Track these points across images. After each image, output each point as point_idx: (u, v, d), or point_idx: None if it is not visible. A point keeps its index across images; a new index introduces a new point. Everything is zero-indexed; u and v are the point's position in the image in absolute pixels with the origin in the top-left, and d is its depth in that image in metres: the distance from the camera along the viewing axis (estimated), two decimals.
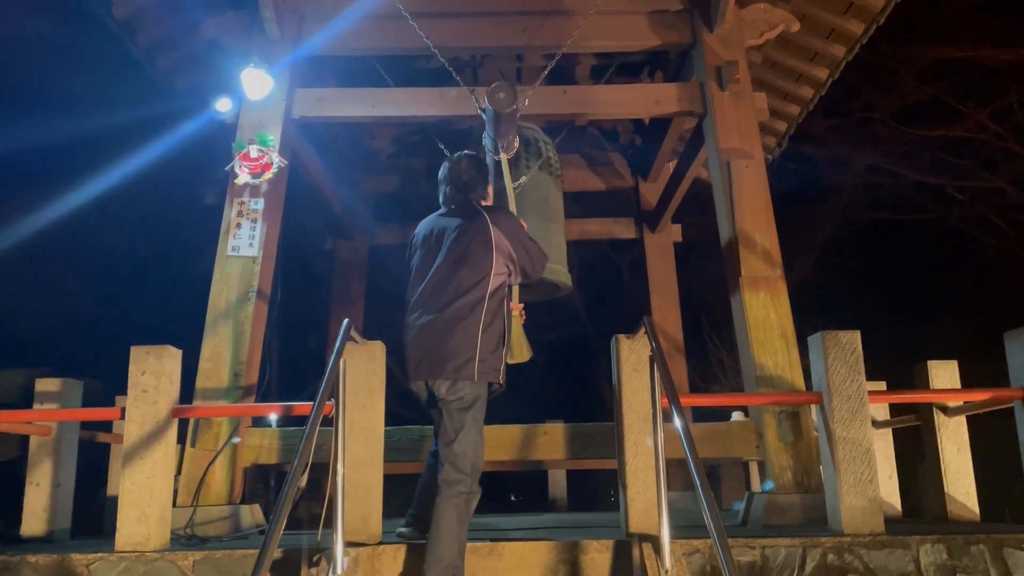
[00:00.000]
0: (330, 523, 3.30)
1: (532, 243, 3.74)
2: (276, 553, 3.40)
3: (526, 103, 4.85)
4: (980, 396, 4.33)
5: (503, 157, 4.34)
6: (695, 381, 12.27)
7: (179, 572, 3.49)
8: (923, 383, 4.74)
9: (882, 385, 5.21)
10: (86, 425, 4.99)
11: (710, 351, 13.23)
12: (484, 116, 4.17)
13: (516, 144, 4.51)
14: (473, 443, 3.43)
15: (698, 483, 2.93)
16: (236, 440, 4.75)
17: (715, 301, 12.94)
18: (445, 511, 3.31)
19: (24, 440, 4.80)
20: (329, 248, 8.19)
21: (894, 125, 14.16)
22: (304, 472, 3.02)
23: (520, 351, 4.23)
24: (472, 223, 3.60)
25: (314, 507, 6.29)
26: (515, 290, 4.24)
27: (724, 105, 5.45)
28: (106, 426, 5.34)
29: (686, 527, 3.98)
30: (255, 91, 5.25)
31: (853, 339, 3.91)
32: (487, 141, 4.42)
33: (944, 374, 4.71)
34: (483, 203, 3.80)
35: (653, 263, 8.01)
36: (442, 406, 3.48)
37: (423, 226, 3.82)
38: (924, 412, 4.83)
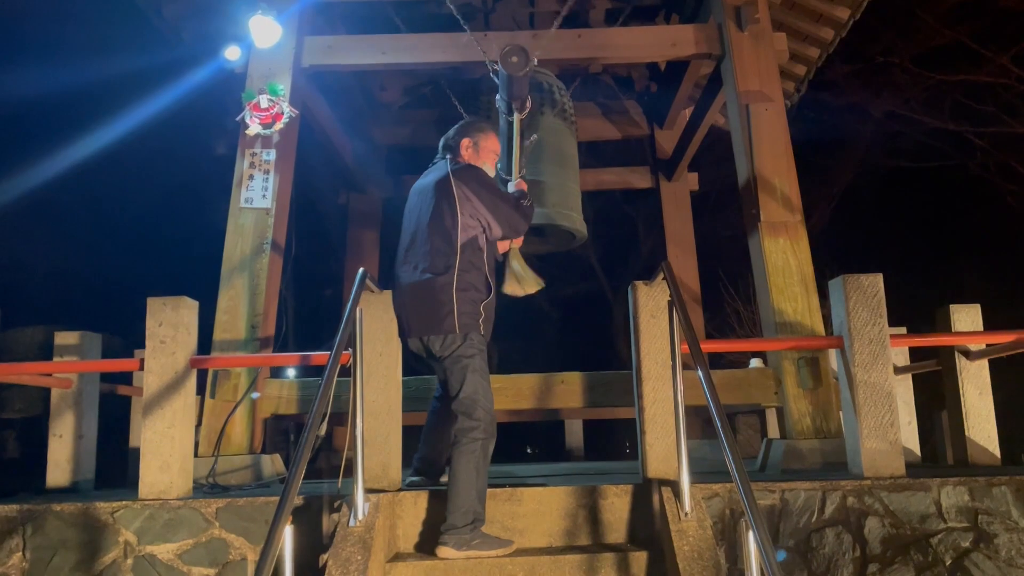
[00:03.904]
0: (350, 472, 3.32)
1: (507, 199, 3.75)
2: (297, 500, 3.42)
3: (535, 62, 4.77)
4: (1004, 338, 4.26)
5: (515, 118, 4.25)
6: (711, 332, 12.23)
7: (202, 519, 3.52)
8: (945, 327, 4.68)
9: (903, 331, 5.15)
10: (106, 379, 5.02)
11: (725, 302, 13.16)
12: (497, 79, 4.10)
13: (529, 104, 4.41)
14: (480, 389, 3.46)
15: (719, 427, 2.91)
16: (256, 396, 4.77)
17: (730, 252, 12.85)
18: (461, 458, 3.36)
19: (47, 397, 4.84)
20: (342, 202, 8.14)
21: (914, 70, 13.86)
22: (323, 420, 3.02)
23: (528, 282, 4.13)
24: (440, 181, 3.67)
25: (333, 458, 6.38)
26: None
27: (743, 46, 5.32)
28: (126, 379, 5.37)
29: (704, 473, 3.98)
30: (264, 39, 5.16)
31: (875, 282, 3.85)
32: (500, 103, 4.35)
33: (967, 318, 4.64)
34: (460, 159, 3.80)
35: (669, 212, 7.92)
36: (442, 362, 3.54)
37: (414, 185, 3.89)
38: (945, 356, 4.78)
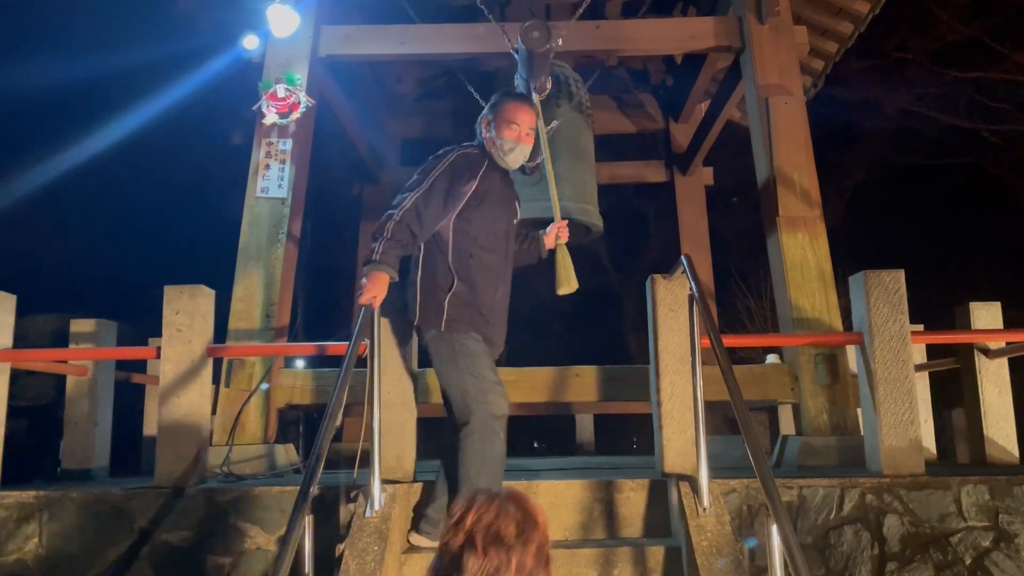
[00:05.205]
0: (365, 463, 3.30)
1: (404, 201, 3.20)
2: (314, 490, 3.41)
3: (560, 42, 4.65)
4: None
5: (535, 98, 4.17)
6: (721, 328, 12.20)
7: (217, 507, 3.52)
8: (964, 324, 4.64)
9: (919, 328, 5.10)
10: (121, 367, 5.03)
11: (737, 298, 13.13)
12: (516, 56, 4.00)
13: (549, 85, 4.31)
14: (458, 385, 3.18)
15: (742, 423, 2.88)
16: (265, 387, 4.77)
17: (741, 247, 12.81)
18: (459, 458, 3.16)
19: (60, 385, 4.85)
20: (356, 193, 8.12)
21: (929, 66, 13.77)
22: (341, 409, 3.00)
23: (568, 280, 3.79)
24: None
25: (343, 449, 6.36)
26: (556, 212, 4.05)
27: (763, 39, 5.28)
28: (140, 367, 5.37)
29: (719, 469, 3.95)
30: (281, 28, 5.15)
31: (897, 278, 3.81)
32: (519, 82, 4.25)
33: (987, 316, 4.60)
34: (482, 137, 3.44)
35: (683, 207, 7.88)
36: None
37: None
38: (964, 354, 4.73)
